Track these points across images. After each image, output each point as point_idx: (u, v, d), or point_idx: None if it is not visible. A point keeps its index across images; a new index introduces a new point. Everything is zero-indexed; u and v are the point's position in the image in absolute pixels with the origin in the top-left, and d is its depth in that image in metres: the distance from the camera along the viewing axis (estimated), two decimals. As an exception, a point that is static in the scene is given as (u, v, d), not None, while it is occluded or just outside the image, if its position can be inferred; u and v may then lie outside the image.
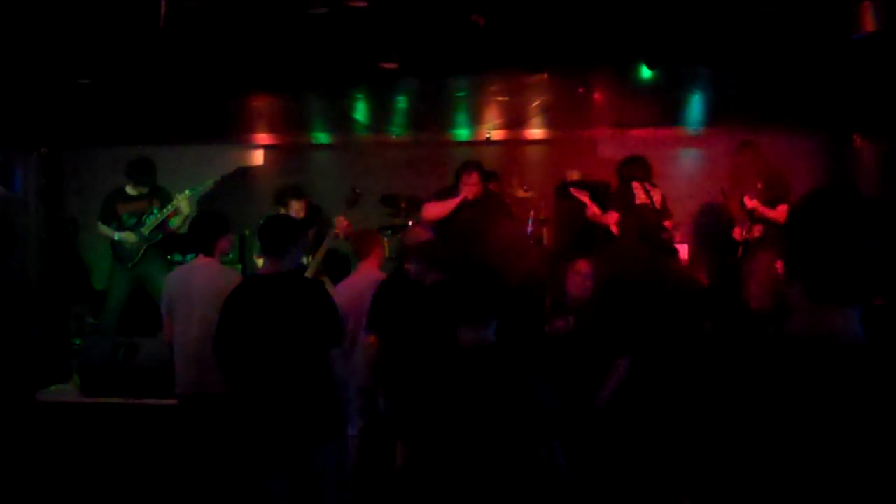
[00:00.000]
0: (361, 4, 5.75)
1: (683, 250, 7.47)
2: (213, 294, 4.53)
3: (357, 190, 6.74)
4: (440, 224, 6.36)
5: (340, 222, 6.46)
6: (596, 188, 7.39)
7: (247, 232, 6.97)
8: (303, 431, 3.88)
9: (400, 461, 2.97)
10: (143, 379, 5.72)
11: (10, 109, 7.34)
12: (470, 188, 6.36)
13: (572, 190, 7.14)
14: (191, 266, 4.91)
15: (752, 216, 6.62)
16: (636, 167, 6.94)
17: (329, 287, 5.90)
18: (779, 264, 6.37)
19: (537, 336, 4.69)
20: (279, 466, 3.93)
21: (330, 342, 3.97)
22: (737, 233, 6.87)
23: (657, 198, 6.89)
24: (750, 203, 6.57)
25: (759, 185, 6.60)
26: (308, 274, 6.47)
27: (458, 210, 6.35)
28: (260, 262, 6.67)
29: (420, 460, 2.88)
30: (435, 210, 6.43)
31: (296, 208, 6.69)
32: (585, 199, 6.93)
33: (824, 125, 7.93)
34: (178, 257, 7.53)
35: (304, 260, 6.59)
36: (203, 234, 4.87)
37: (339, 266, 6.59)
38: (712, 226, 7.83)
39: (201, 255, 4.84)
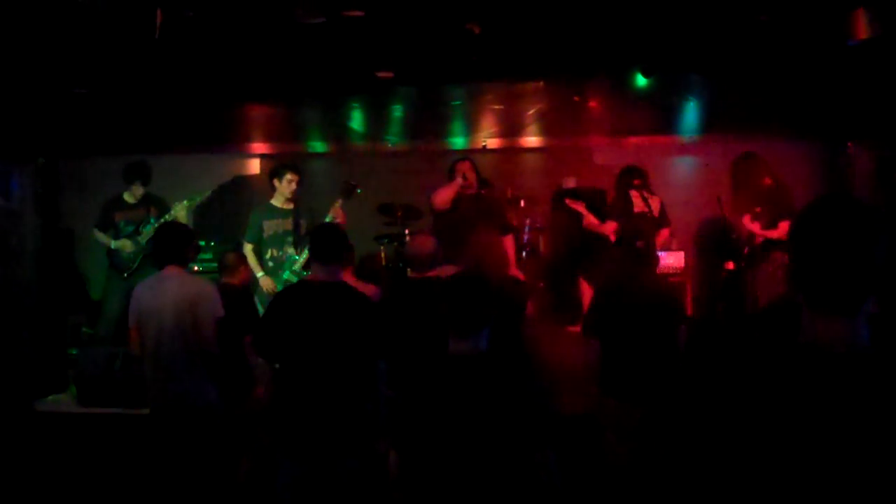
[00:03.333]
0: (358, 14, 5.76)
1: (680, 257, 7.49)
2: (189, 303, 4.57)
3: (352, 182, 6.76)
4: (443, 216, 6.46)
5: (337, 212, 6.52)
6: (591, 197, 7.41)
7: (243, 241, 6.95)
8: (337, 439, 3.93)
9: (393, 470, 2.97)
10: (139, 389, 5.69)
11: (6, 119, 7.34)
12: (465, 173, 6.50)
13: (567, 201, 7.16)
14: (160, 277, 4.77)
15: (751, 240, 6.72)
16: (633, 176, 6.97)
17: None
18: (781, 272, 6.44)
19: (519, 341, 4.71)
20: (303, 470, 3.94)
21: (375, 353, 4.07)
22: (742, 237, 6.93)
23: (655, 205, 6.90)
24: (750, 226, 6.66)
25: (758, 210, 6.66)
26: (297, 267, 6.53)
27: (457, 204, 6.45)
28: (259, 273, 6.71)
29: (414, 469, 2.88)
30: (442, 195, 6.50)
31: (289, 178, 6.74)
32: (582, 209, 6.95)
33: (819, 132, 7.95)
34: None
35: (293, 251, 6.65)
36: (174, 243, 4.79)
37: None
38: (712, 233, 7.86)
39: (171, 266, 4.73)
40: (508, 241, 6.65)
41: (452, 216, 6.39)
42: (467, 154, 7.03)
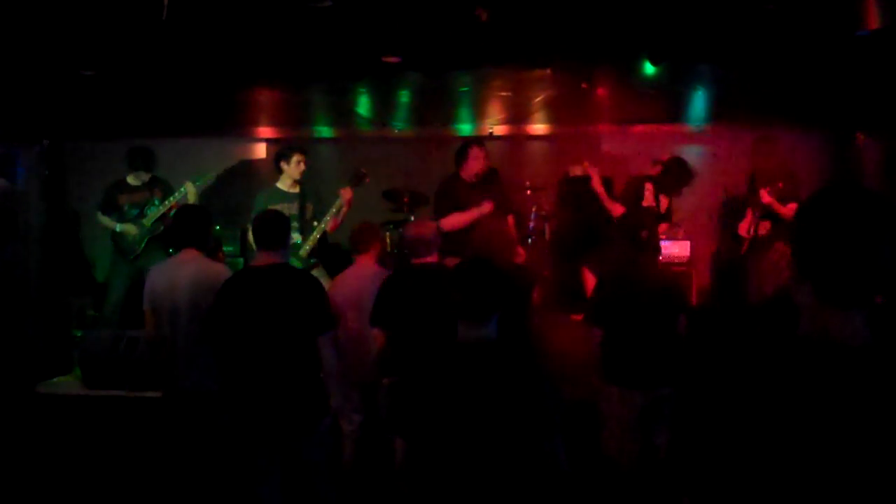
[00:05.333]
0: (365, -2, 5.74)
1: (685, 247, 7.48)
2: (206, 289, 4.53)
3: (363, 170, 6.75)
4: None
5: (346, 192, 6.49)
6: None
7: (248, 226, 6.98)
8: (293, 417, 4.04)
9: (399, 457, 2.97)
10: (144, 371, 5.72)
11: (12, 101, 7.33)
12: (479, 162, 6.45)
13: (586, 162, 7.10)
14: (176, 260, 4.75)
15: (766, 210, 6.65)
16: (669, 177, 6.88)
17: (325, 278, 5.93)
18: (784, 262, 6.41)
19: (526, 329, 4.71)
20: (271, 453, 4.07)
21: (319, 329, 4.14)
22: (742, 229, 6.88)
23: (664, 204, 6.89)
24: (767, 198, 6.60)
25: (780, 185, 6.61)
26: (303, 253, 6.52)
27: (468, 191, 6.40)
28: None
29: (420, 456, 2.88)
30: (454, 221, 6.30)
31: (297, 160, 6.69)
32: (595, 174, 6.86)
33: (827, 122, 7.91)
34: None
35: (298, 238, 6.64)
36: (193, 226, 4.79)
37: (338, 259, 6.59)
38: (717, 221, 7.85)
39: (191, 249, 4.71)
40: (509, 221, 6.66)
41: (461, 206, 6.36)
42: (480, 140, 6.95)
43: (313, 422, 4.11)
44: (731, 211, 7.42)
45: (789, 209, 6.48)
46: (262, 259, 4.25)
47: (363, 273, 5.31)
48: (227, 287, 4.27)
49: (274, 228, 4.27)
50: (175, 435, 4.70)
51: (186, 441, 4.65)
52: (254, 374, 4.06)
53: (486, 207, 6.26)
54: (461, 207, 6.36)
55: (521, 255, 6.46)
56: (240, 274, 4.48)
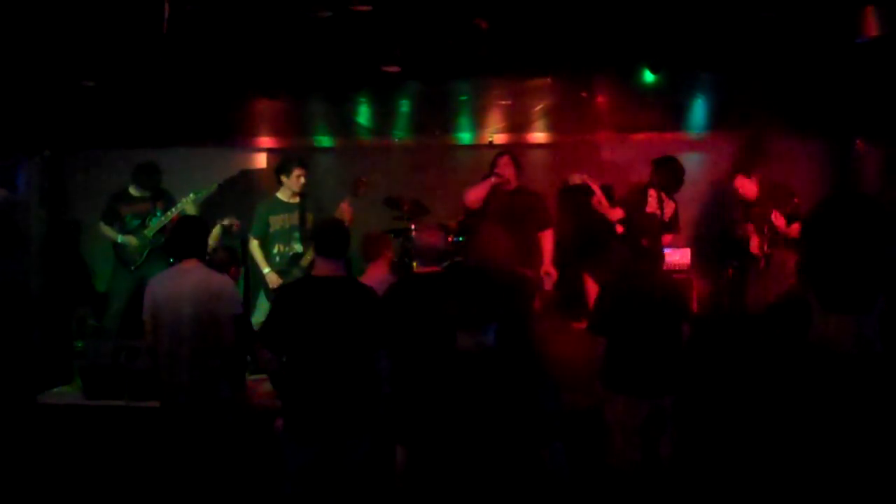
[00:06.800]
0: (365, 8, 5.75)
1: (686, 254, 7.47)
2: (208, 299, 4.55)
3: (364, 178, 6.77)
4: (476, 212, 6.53)
5: (345, 209, 6.50)
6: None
7: (250, 236, 6.98)
8: (346, 428, 4.11)
9: (399, 464, 2.96)
10: (145, 381, 5.72)
11: (13, 112, 7.34)
12: (503, 168, 6.54)
13: (585, 176, 7.12)
14: (178, 270, 4.72)
15: (775, 233, 6.65)
16: (663, 175, 6.89)
17: None
18: (787, 269, 6.41)
19: (528, 336, 4.71)
20: (316, 460, 4.10)
21: (379, 344, 4.23)
22: (755, 245, 6.87)
23: (668, 210, 6.87)
24: (778, 220, 6.60)
25: (796, 200, 6.63)
26: (304, 263, 6.51)
27: (492, 200, 6.48)
28: (266, 269, 6.71)
29: (421, 463, 2.88)
30: (474, 194, 6.57)
31: (297, 174, 6.72)
32: (596, 187, 6.89)
33: (827, 129, 7.92)
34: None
35: (299, 246, 6.63)
36: (193, 236, 4.79)
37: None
38: (720, 231, 7.84)
39: (190, 259, 4.69)
40: (548, 237, 6.75)
41: (486, 213, 6.40)
42: (508, 151, 7.01)
43: (364, 433, 4.16)
44: (723, 223, 7.44)
45: (793, 230, 6.48)
46: (323, 269, 4.29)
47: (375, 281, 5.29)
48: (287, 295, 4.37)
49: (335, 238, 4.32)
50: (174, 444, 4.69)
51: (185, 450, 4.63)
52: (312, 383, 4.12)
53: (494, 178, 6.50)
54: (488, 211, 6.45)
55: (550, 269, 6.54)
56: (301, 283, 4.59)
